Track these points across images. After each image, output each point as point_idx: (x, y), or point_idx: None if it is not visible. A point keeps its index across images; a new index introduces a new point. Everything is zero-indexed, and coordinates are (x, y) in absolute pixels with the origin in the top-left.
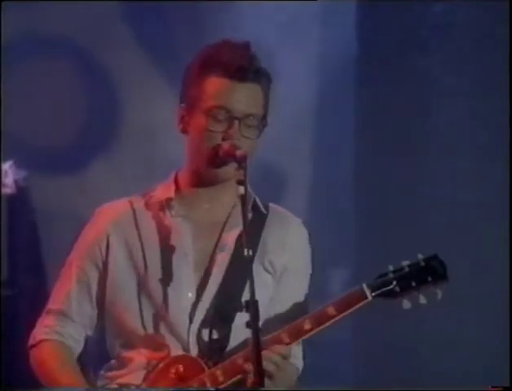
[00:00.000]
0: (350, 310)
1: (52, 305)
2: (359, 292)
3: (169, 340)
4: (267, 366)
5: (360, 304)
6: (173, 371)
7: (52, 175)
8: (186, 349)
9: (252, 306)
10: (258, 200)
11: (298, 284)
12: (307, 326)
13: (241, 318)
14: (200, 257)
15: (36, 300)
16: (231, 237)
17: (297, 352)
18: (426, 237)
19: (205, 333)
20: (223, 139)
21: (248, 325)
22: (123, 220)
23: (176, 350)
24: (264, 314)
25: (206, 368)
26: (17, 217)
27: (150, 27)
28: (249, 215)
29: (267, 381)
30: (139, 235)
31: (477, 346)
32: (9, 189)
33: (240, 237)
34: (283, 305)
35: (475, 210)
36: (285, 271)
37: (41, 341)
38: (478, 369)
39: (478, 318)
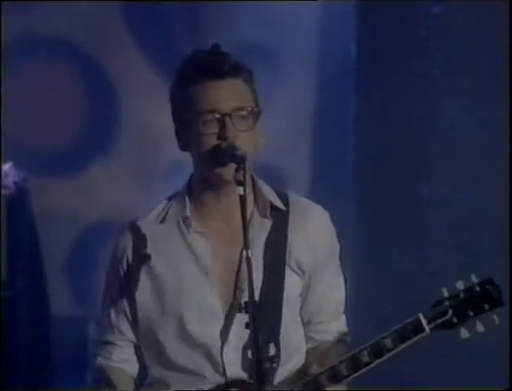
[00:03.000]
0: (407, 343)
1: (100, 335)
2: (415, 324)
3: (201, 363)
4: None
5: (418, 336)
6: None
7: (51, 176)
8: (220, 371)
9: (251, 307)
10: (274, 201)
11: (332, 279)
12: (366, 358)
13: (287, 329)
14: (226, 272)
15: (35, 301)
16: (256, 245)
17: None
18: (426, 237)
19: (246, 351)
20: (220, 139)
21: (247, 325)
22: (140, 240)
23: (210, 373)
24: (294, 314)
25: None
26: (16, 218)
27: (150, 27)
28: (270, 221)
29: None
30: (158, 256)
31: (477, 346)
32: (8, 190)
33: (266, 244)
34: (315, 306)
35: (475, 210)
36: (316, 269)
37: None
38: (478, 369)
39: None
